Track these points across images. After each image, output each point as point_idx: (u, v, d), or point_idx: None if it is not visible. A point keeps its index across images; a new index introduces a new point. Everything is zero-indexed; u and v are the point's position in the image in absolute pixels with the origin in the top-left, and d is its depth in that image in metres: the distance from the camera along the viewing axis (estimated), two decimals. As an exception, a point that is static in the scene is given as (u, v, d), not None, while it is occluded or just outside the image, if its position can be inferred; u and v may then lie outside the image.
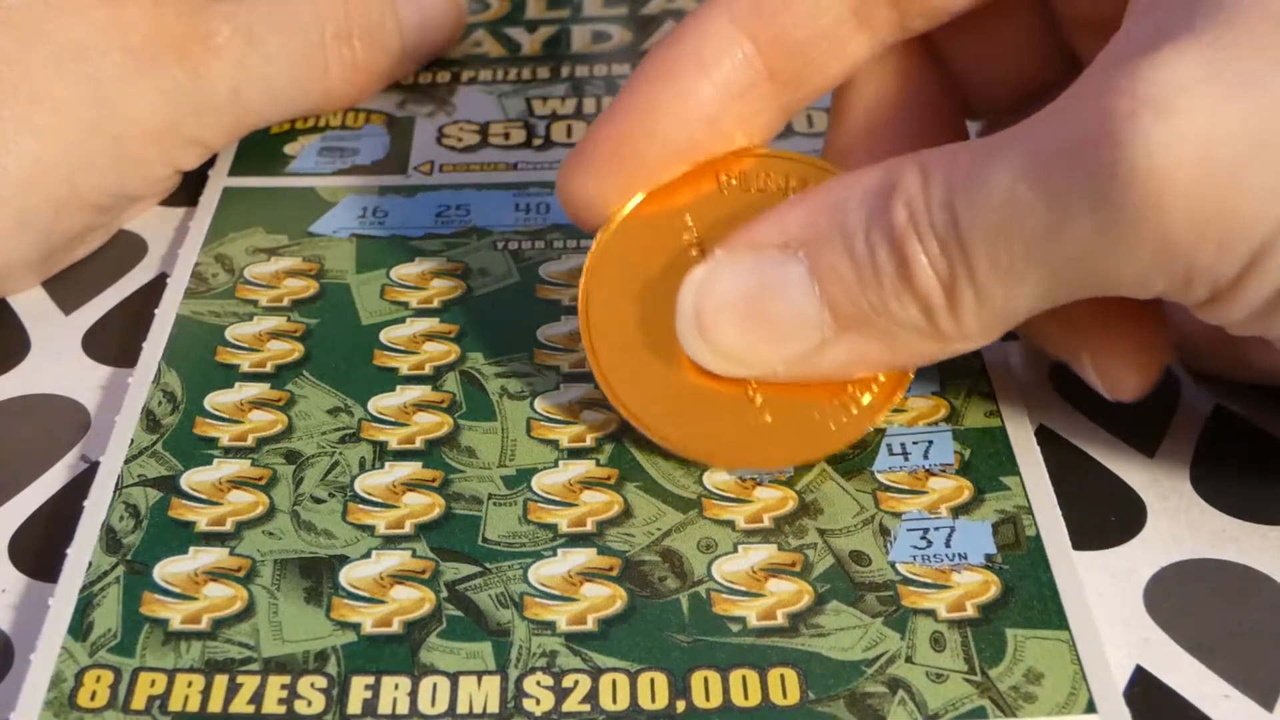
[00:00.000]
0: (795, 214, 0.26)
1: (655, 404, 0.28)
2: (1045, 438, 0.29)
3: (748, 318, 0.26)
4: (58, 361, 0.33)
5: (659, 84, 0.28)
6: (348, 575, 0.27)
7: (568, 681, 0.25)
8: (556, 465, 0.29)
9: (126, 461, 0.29)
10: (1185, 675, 0.25)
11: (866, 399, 0.28)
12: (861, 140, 0.30)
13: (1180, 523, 0.28)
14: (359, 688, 0.25)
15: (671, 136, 0.28)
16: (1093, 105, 0.22)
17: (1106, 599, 0.26)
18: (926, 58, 0.30)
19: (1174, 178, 0.21)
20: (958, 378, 0.30)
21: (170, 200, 0.37)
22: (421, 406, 0.30)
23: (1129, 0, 0.25)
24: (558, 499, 0.28)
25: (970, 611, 0.26)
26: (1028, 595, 0.26)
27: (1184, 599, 0.26)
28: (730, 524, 0.27)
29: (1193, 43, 0.22)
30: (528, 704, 0.24)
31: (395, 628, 0.26)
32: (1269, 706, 0.24)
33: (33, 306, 0.34)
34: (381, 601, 0.26)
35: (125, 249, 0.36)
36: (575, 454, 0.29)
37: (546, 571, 0.27)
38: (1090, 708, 0.24)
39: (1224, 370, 0.30)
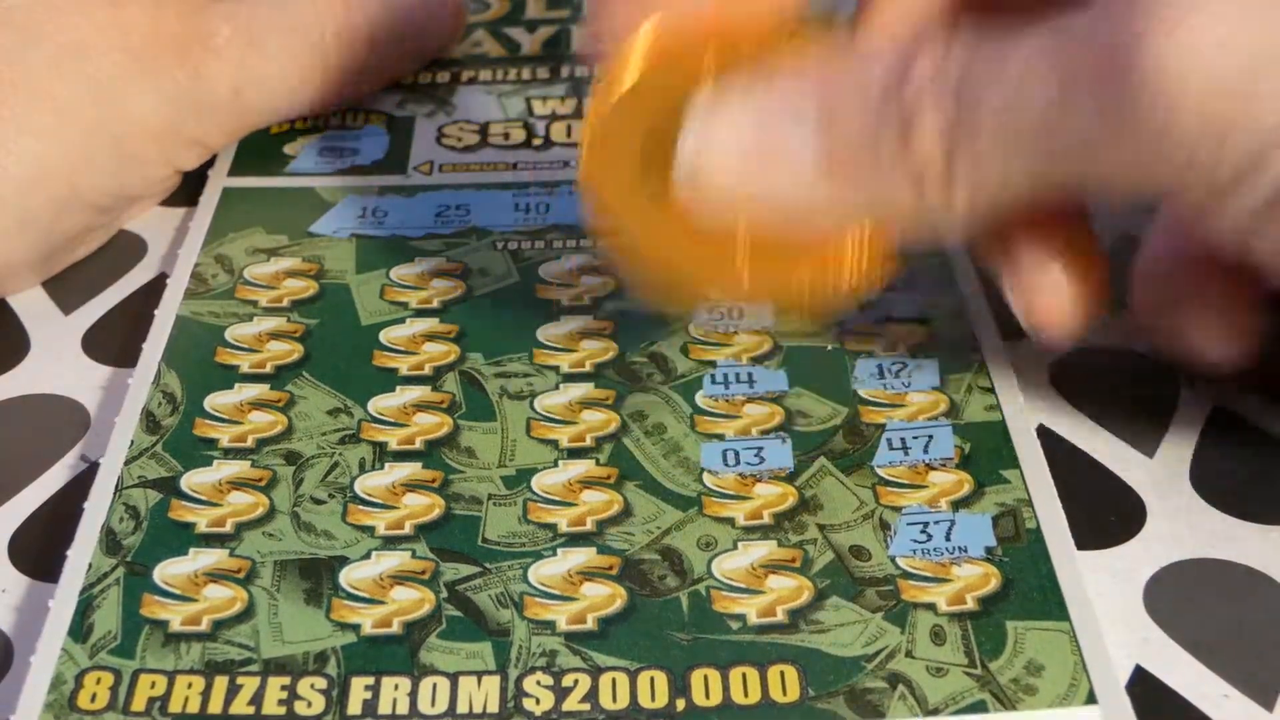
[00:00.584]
0: (817, 60, 0.26)
1: (637, 223, 0.28)
2: (1045, 437, 0.29)
3: (749, 148, 0.26)
4: (58, 361, 0.33)
5: None
6: (347, 576, 0.27)
7: (567, 681, 0.25)
8: (556, 465, 0.29)
9: (126, 463, 0.29)
10: (1185, 675, 0.25)
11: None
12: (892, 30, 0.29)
13: (1180, 523, 0.28)
14: (359, 688, 0.25)
15: None
16: (1117, 8, 0.23)
17: (1106, 599, 0.26)
18: None
19: (1186, 74, 0.22)
20: (958, 373, 0.30)
21: (170, 200, 0.37)
22: (421, 407, 0.30)
23: None
24: (557, 499, 0.28)
25: (970, 604, 0.26)
26: (1028, 587, 0.26)
27: (1184, 599, 0.26)
28: (730, 521, 0.27)
29: None
30: (528, 704, 0.24)
31: (395, 628, 0.26)
32: (1269, 706, 0.24)
33: (33, 306, 0.34)
34: (381, 602, 0.26)
35: (125, 249, 0.36)
36: (575, 454, 0.29)
37: (546, 571, 0.27)
38: (1091, 699, 0.24)
39: (1172, 341, 0.30)
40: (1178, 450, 0.29)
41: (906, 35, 0.28)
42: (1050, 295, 0.27)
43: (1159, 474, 0.29)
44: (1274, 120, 0.22)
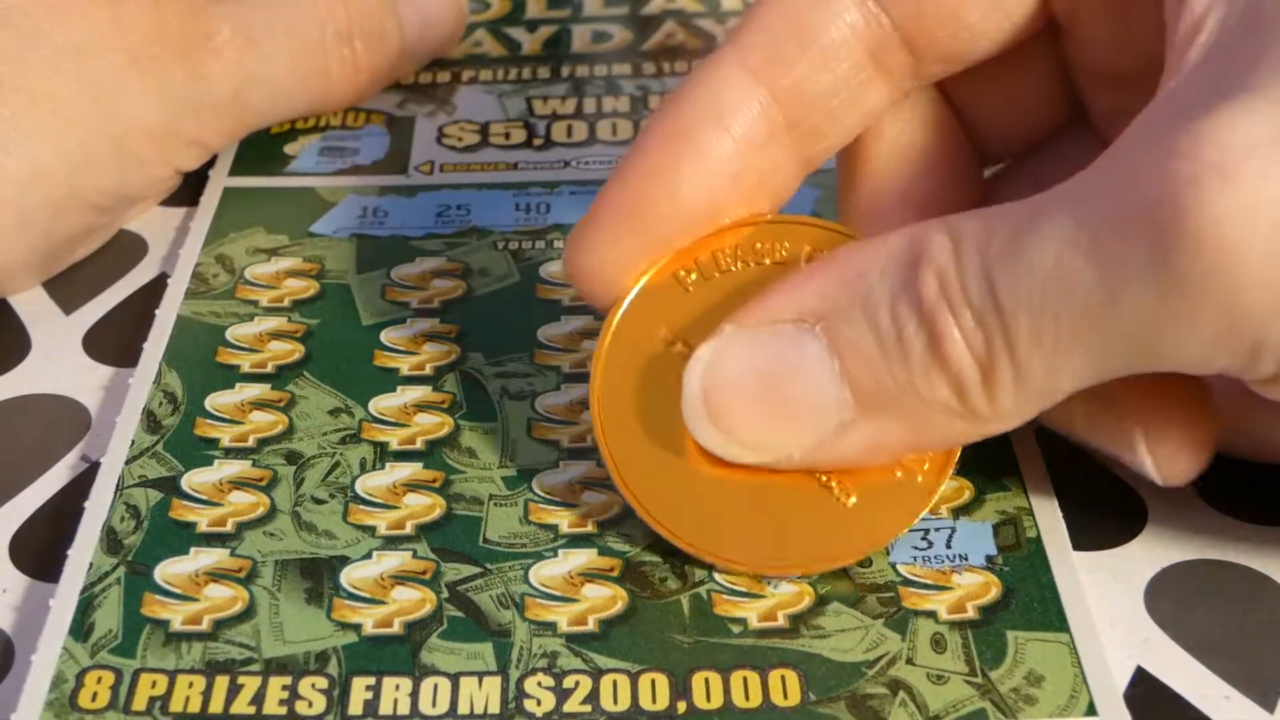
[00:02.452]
0: (811, 285, 0.24)
1: (690, 513, 0.26)
2: (1046, 438, 0.29)
3: (762, 399, 0.24)
4: (58, 361, 0.33)
5: (675, 141, 0.26)
6: (348, 576, 0.27)
7: (569, 682, 0.25)
8: (557, 465, 0.29)
9: (127, 462, 0.29)
10: (1186, 676, 0.25)
11: (925, 465, 0.26)
12: (878, 194, 0.28)
13: (1180, 523, 0.28)
14: (360, 688, 0.25)
15: (693, 197, 0.26)
16: (1150, 169, 0.21)
17: (1107, 600, 0.26)
18: (942, 106, 0.29)
19: (1244, 247, 0.20)
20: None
21: (170, 200, 0.37)
22: (422, 407, 0.30)
23: (1170, 52, 0.23)
24: (558, 499, 0.28)
25: (971, 613, 0.26)
26: (1028, 597, 0.26)
27: (1184, 600, 0.26)
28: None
29: (1259, 100, 0.20)
30: (529, 705, 0.24)
31: (396, 628, 0.26)
32: (1269, 707, 0.24)
33: (33, 306, 0.34)
34: (382, 602, 0.26)
35: (125, 249, 0.36)
36: (576, 454, 0.29)
37: (547, 572, 0.27)
38: (1090, 710, 0.24)
39: (1241, 448, 0.28)
40: (1178, 452, 0.29)
41: (896, 205, 0.27)
42: (1184, 451, 0.25)
43: (1159, 476, 0.29)
44: None
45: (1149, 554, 0.27)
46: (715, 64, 0.26)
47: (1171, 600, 0.26)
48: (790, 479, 0.25)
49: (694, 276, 0.27)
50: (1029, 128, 0.30)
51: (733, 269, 0.27)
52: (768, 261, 0.27)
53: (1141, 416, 0.25)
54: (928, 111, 0.29)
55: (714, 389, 0.25)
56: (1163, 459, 0.25)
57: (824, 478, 0.26)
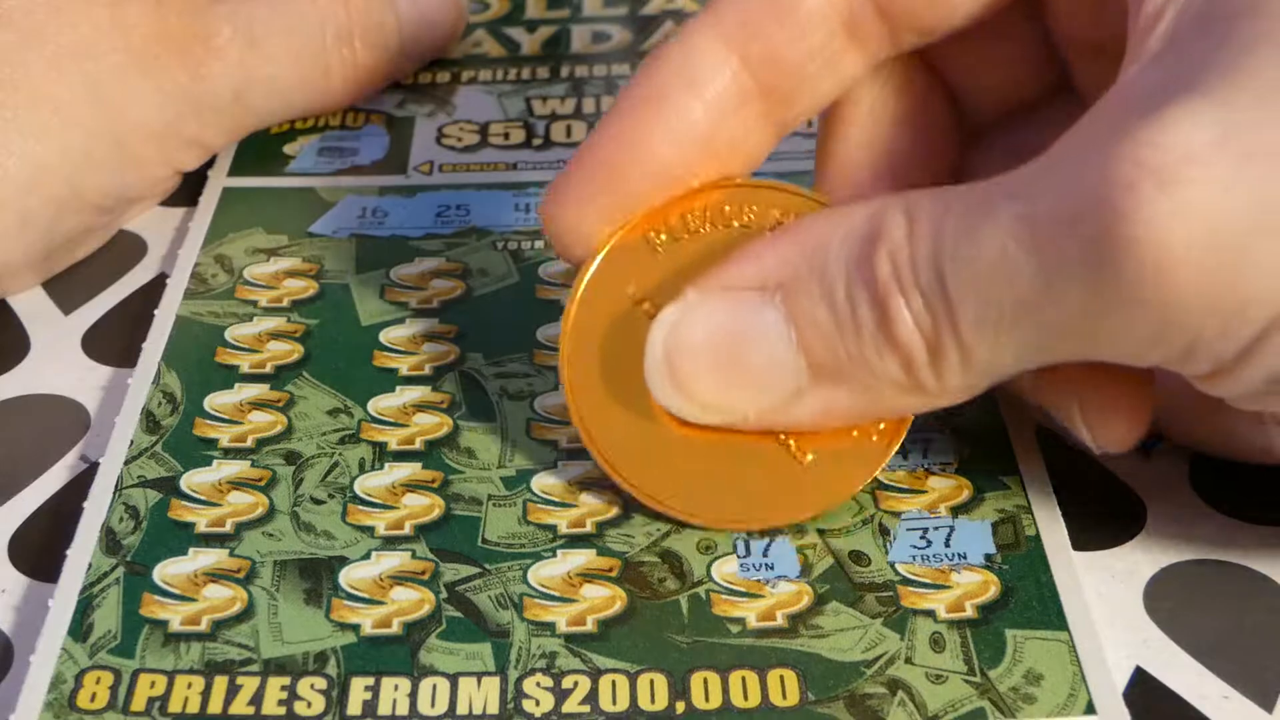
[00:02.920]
0: (773, 255, 0.25)
1: (657, 471, 0.27)
2: (1045, 438, 0.29)
3: (721, 364, 0.25)
4: (58, 361, 0.33)
5: (648, 105, 0.27)
6: (347, 576, 0.27)
7: (567, 682, 0.25)
8: (556, 466, 0.29)
9: (126, 462, 0.29)
10: (1185, 676, 0.25)
11: (880, 426, 0.26)
12: (854, 161, 0.29)
13: (1180, 523, 0.28)
14: (359, 689, 0.25)
15: (663, 159, 0.27)
16: (1092, 169, 0.21)
17: (1106, 600, 0.26)
18: (919, 74, 0.29)
19: (1178, 252, 0.20)
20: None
21: (170, 200, 0.37)
22: (421, 407, 0.30)
23: (1131, 37, 0.24)
24: (557, 500, 0.28)
25: (970, 612, 0.26)
26: (1027, 596, 0.26)
27: (1184, 600, 0.26)
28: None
29: (1204, 102, 0.20)
30: (527, 705, 0.24)
31: (395, 629, 0.26)
32: (1269, 708, 0.24)
33: (33, 306, 0.34)
34: (381, 603, 0.26)
35: (125, 249, 0.36)
36: (575, 454, 0.29)
37: (546, 572, 0.27)
38: (1090, 709, 0.24)
39: (1203, 443, 0.29)
40: (1177, 450, 0.29)
41: (871, 173, 0.28)
42: (1120, 422, 0.25)
43: (1158, 474, 0.29)
44: (1276, 296, 0.20)
45: (1148, 554, 0.27)
46: (690, 31, 0.27)
47: (1171, 600, 0.26)
48: (751, 439, 0.26)
49: (663, 238, 0.27)
50: (1012, 95, 0.30)
51: (701, 231, 0.27)
52: (736, 225, 0.27)
53: (1079, 388, 0.25)
54: (907, 79, 0.29)
55: (675, 353, 0.25)
56: (1098, 429, 0.25)
57: (783, 437, 0.26)
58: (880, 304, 0.23)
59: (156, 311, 0.33)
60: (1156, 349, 0.22)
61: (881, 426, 0.26)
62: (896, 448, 0.26)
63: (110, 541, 0.27)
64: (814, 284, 0.24)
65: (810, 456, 0.26)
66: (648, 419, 0.27)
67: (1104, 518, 0.28)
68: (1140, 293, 0.20)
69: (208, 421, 0.30)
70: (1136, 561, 0.27)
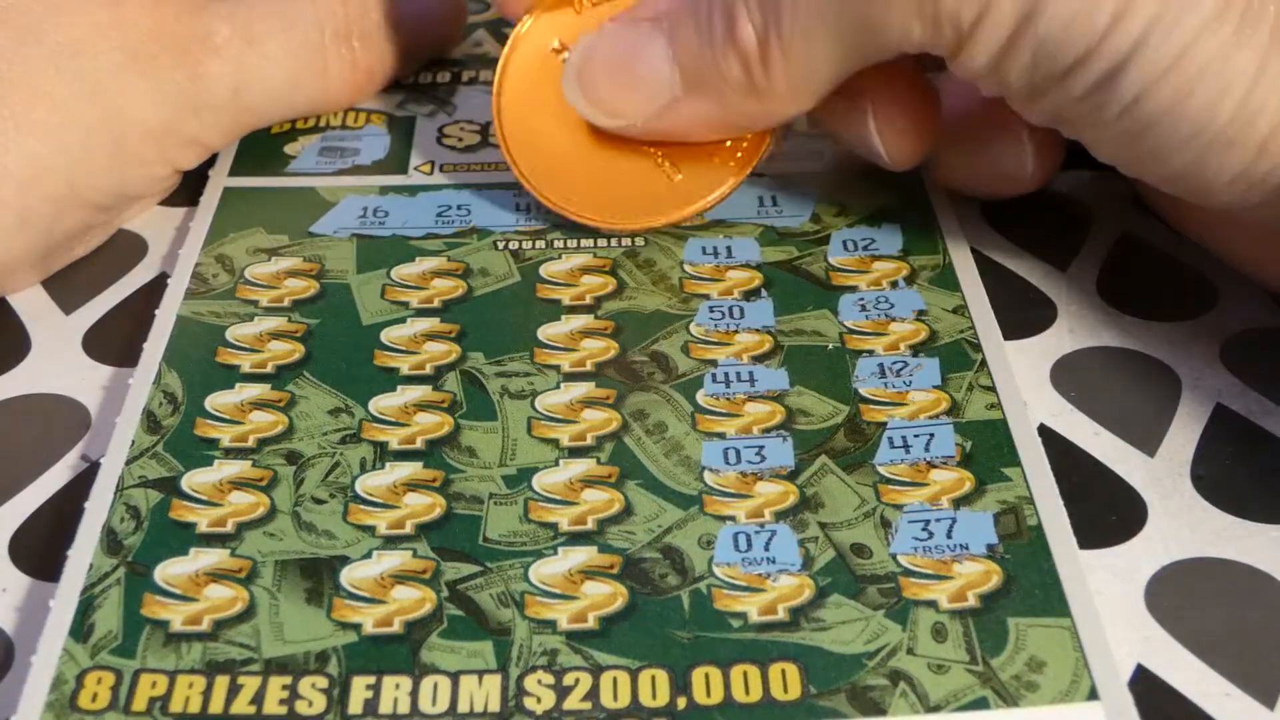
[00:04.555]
0: None
1: (562, 183, 0.34)
2: (1046, 437, 0.29)
3: (617, 73, 0.32)
4: (58, 361, 0.33)
5: None
6: (348, 576, 0.27)
7: (569, 680, 0.25)
8: (557, 464, 0.29)
9: (127, 463, 0.29)
10: (1186, 674, 0.25)
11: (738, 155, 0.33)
12: None
13: (1181, 522, 0.28)
14: (360, 688, 0.25)
15: None
16: None
17: (1108, 598, 0.26)
18: None
19: None
20: (959, 372, 0.30)
21: (170, 200, 0.37)
22: (422, 406, 0.30)
23: None
24: (558, 498, 0.28)
25: (972, 601, 0.26)
26: (1029, 584, 0.26)
27: (1185, 598, 0.26)
28: (731, 519, 0.27)
29: None
30: (529, 703, 0.24)
31: (396, 628, 0.26)
32: (1270, 705, 0.24)
33: (33, 306, 0.34)
34: (382, 602, 0.26)
35: (125, 249, 0.36)
36: (575, 452, 0.29)
37: (547, 570, 0.27)
38: (1093, 695, 0.24)
39: (975, 173, 0.35)
40: (1178, 450, 0.29)
41: None
42: (908, 139, 0.32)
43: (1160, 473, 0.29)
44: None
45: (1150, 552, 0.27)
46: None
47: (1172, 598, 0.26)
48: (635, 160, 0.34)
49: (588, 3, 0.34)
50: None
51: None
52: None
53: (872, 97, 0.32)
54: None
55: (584, 64, 0.32)
56: (889, 140, 0.32)
57: (659, 158, 0.33)
58: (728, 13, 0.30)
59: (157, 311, 0.33)
60: (915, 23, 0.27)
61: (739, 155, 0.33)
62: (748, 170, 0.33)
63: (111, 541, 0.27)
64: (688, 13, 0.31)
65: (679, 176, 0.33)
66: (559, 142, 0.34)
67: (1105, 517, 0.28)
68: None
69: (209, 421, 0.30)
70: (1137, 560, 0.27)
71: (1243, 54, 0.26)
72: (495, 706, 0.24)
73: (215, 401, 0.30)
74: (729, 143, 0.33)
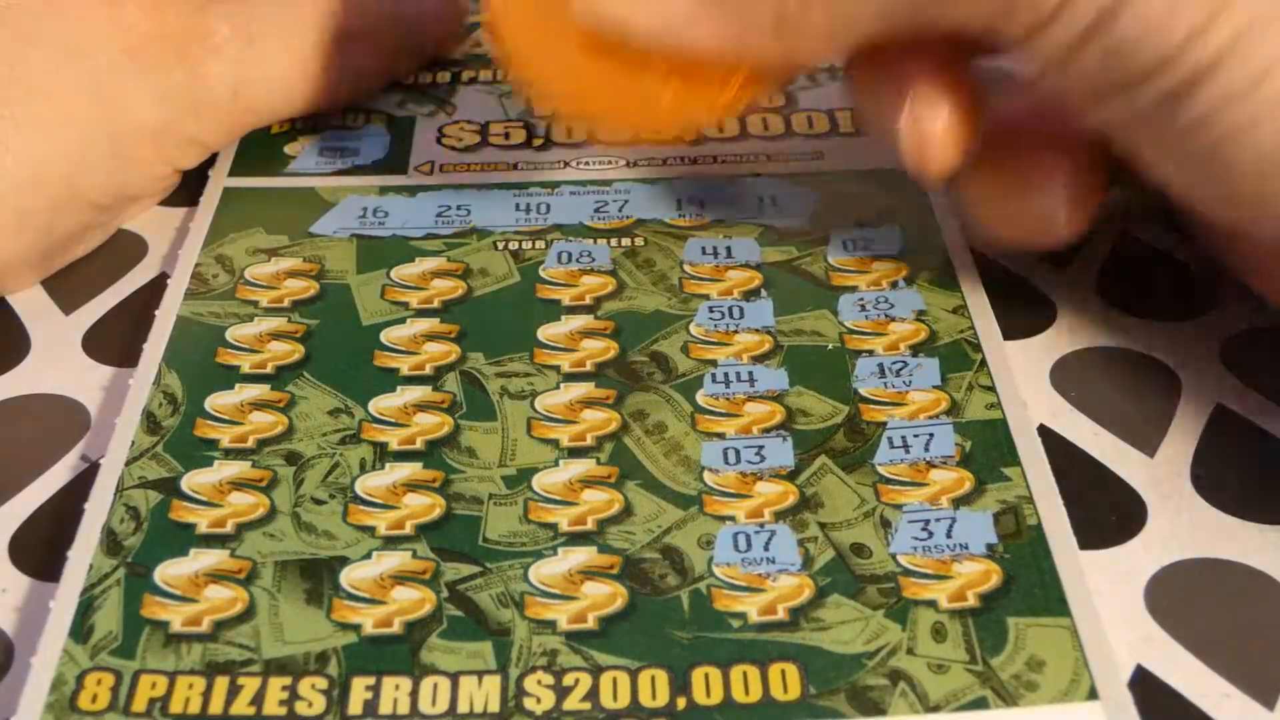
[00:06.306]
0: None
1: (562, 89, 0.32)
2: (1046, 437, 0.29)
3: None
4: (58, 361, 0.33)
5: None
6: (348, 576, 0.27)
7: (568, 680, 0.25)
8: (557, 464, 0.29)
9: (127, 463, 0.29)
10: (1186, 674, 0.25)
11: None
12: None
13: (1181, 522, 0.28)
14: (360, 688, 0.25)
15: None
16: None
17: (1107, 598, 0.26)
18: None
19: None
20: (958, 372, 0.30)
21: (170, 200, 0.37)
22: (422, 407, 0.30)
23: None
24: (558, 498, 0.28)
25: (971, 601, 0.26)
26: (1029, 583, 0.26)
27: (1185, 598, 0.26)
28: (731, 519, 0.27)
29: None
30: (528, 703, 0.24)
31: (396, 628, 0.26)
32: (1270, 705, 0.24)
33: (33, 306, 0.34)
34: (382, 602, 0.26)
35: (125, 249, 0.36)
36: (575, 453, 0.29)
37: (547, 570, 0.27)
38: (1092, 694, 0.24)
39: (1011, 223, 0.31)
40: (1178, 450, 0.29)
41: None
42: (939, 136, 0.28)
43: (1159, 474, 0.29)
44: None
45: (1149, 552, 0.27)
46: None
47: (1172, 599, 0.26)
48: (633, 81, 0.30)
49: None
50: None
51: None
52: None
53: (915, 83, 0.28)
54: None
55: None
56: (923, 135, 0.28)
57: (659, 74, 0.30)
58: None
59: (157, 311, 0.33)
60: (985, 2, 0.25)
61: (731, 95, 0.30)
62: (742, 106, 0.30)
63: (111, 542, 0.27)
64: None
65: (670, 95, 0.30)
66: (562, 49, 0.30)
67: (1105, 517, 0.28)
68: None
69: (208, 422, 0.30)
70: (1137, 560, 0.27)
71: None
72: (495, 707, 0.24)
73: (215, 402, 0.30)
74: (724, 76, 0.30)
